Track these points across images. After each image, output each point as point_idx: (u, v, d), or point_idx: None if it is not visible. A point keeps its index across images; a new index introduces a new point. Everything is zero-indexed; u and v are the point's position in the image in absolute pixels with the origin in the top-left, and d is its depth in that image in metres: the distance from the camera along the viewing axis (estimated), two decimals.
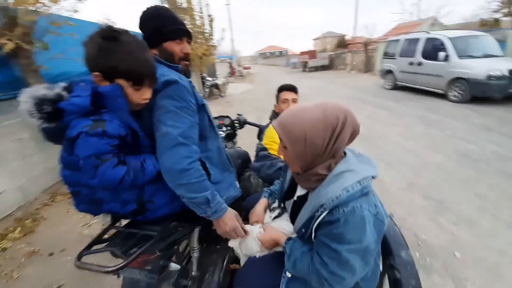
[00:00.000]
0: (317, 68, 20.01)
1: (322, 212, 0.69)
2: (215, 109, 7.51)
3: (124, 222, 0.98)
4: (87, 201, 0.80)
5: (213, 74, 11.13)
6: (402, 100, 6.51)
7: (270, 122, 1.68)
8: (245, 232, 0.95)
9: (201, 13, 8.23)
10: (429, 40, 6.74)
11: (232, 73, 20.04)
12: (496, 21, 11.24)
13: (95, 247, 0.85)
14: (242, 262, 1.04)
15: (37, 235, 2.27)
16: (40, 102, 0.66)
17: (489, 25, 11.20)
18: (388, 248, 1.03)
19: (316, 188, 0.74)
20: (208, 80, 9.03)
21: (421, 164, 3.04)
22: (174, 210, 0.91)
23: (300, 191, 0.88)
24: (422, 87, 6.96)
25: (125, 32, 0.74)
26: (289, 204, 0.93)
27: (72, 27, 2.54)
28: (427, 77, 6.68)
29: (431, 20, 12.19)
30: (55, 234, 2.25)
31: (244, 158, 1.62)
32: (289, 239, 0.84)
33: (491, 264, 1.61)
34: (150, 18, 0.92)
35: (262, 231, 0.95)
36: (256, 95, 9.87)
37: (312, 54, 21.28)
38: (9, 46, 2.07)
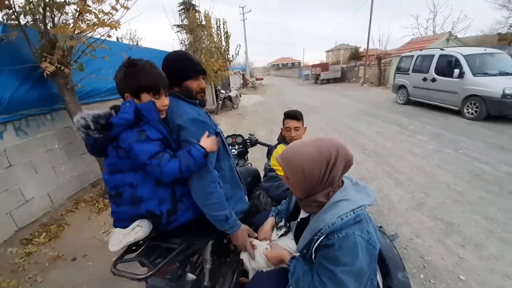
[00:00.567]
0: (329, 81, 20.12)
1: (320, 236, 0.80)
2: (227, 121, 7.75)
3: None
4: (128, 202, 0.97)
5: (226, 87, 11.52)
6: (415, 116, 6.46)
7: (278, 143, 1.80)
8: (253, 246, 1.08)
9: (219, 29, 8.67)
10: (443, 56, 6.72)
11: (244, 84, 20.54)
12: None
13: (126, 256, 1.00)
14: (250, 275, 1.14)
15: (61, 240, 2.44)
16: (97, 117, 0.89)
17: (508, 40, 10.94)
18: (387, 270, 1.11)
19: (316, 214, 0.86)
20: (221, 93, 9.37)
21: (431, 183, 3.04)
22: (198, 215, 1.07)
23: (303, 214, 1.00)
24: (435, 103, 6.89)
25: (140, 59, 0.98)
26: (293, 224, 1.05)
27: (104, 50, 2.84)
28: (441, 93, 6.62)
29: (447, 35, 12.07)
30: (78, 240, 2.41)
31: (254, 176, 1.75)
32: (293, 257, 0.95)
33: None
34: (171, 61, 1.12)
35: (268, 248, 1.07)
36: (268, 107, 10.07)
37: (324, 66, 21.51)
38: (50, 69, 2.35)
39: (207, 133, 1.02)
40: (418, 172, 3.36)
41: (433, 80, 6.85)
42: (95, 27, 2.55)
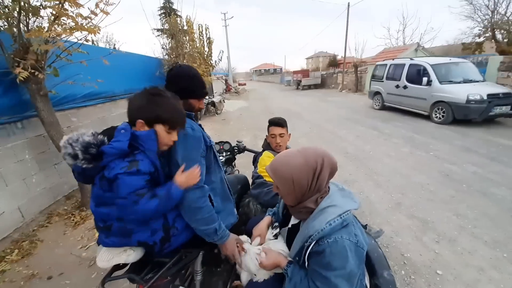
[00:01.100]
0: (310, 87, 20.77)
1: (310, 243, 0.83)
2: (212, 126, 7.68)
3: None
4: (118, 234, 0.92)
5: (210, 92, 11.44)
6: (390, 121, 6.86)
7: (263, 150, 1.82)
8: (243, 250, 1.09)
9: (201, 35, 8.64)
10: (412, 65, 7.26)
11: (227, 89, 20.53)
12: (478, 45, 12.10)
13: (115, 273, 0.96)
14: (243, 279, 1.14)
15: (35, 257, 2.27)
16: (86, 146, 0.81)
17: (471, 50, 12.06)
18: (373, 269, 1.17)
19: (306, 220, 0.89)
20: (205, 98, 9.26)
21: (407, 184, 3.24)
22: (189, 236, 1.04)
23: (293, 220, 1.03)
24: (407, 109, 7.38)
25: (166, 91, 0.95)
26: (284, 231, 1.08)
27: (81, 54, 2.71)
28: (412, 99, 7.12)
29: (415, 45, 13.07)
30: (53, 257, 2.26)
31: (243, 183, 1.76)
32: (290, 262, 0.97)
33: (470, 281, 1.75)
34: (186, 78, 1.14)
35: (259, 252, 1.07)
36: (251, 113, 10.14)
37: (305, 73, 22.20)
38: (23, 74, 2.21)
39: (182, 167, 0.98)
40: (395, 173, 3.57)
41: (405, 87, 7.35)
42: (73, 31, 2.44)
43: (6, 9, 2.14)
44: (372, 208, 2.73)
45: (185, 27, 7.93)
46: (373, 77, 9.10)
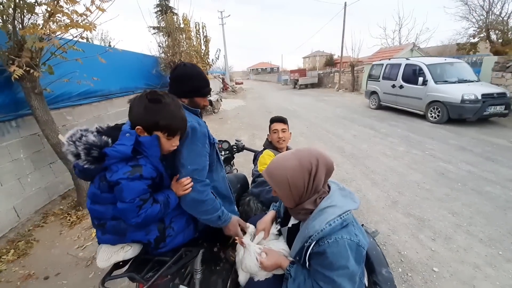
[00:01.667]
0: (307, 86, 20.82)
1: (310, 243, 0.84)
2: (209, 125, 7.53)
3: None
4: (112, 232, 0.91)
5: None
6: (386, 120, 6.92)
7: (264, 149, 1.84)
8: (242, 244, 1.07)
9: (198, 33, 8.58)
10: (408, 65, 7.32)
11: (224, 88, 20.47)
12: (473, 45, 12.24)
13: (115, 272, 0.95)
14: (241, 278, 1.13)
15: (31, 257, 2.25)
16: (89, 147, 0.80)
17: (466, 50, 12.20)
18: (372, 267, 1.18)
19: (306, 221, 0.90)
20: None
21: (403, 182, 3.27)
22: (188, 238, 1.04)
23: (294, 220, 1.03)
24: (403, 108, 7.45)
25: (166, 94, 0.92)
26: (284, 230, 1.08)
27: (77, 52, 2.67)
28: (408, 99, 7.18)
29: (411, 45, 13.19)
30: (49, 257, 2.24)
31: (242, 182, 1.76)
32: (292, 263, 0.97)
33: (466, 278, 1.78)
34: (192, 76, 1.15)
35: (260, 252, 1.07)
36: (249, 112, 10.13)
37: (302, 72, 22.23)
38: (18, 72, 2.17)
39: (176, 177, 1.00)
40: (391, 172, 3.60)
41: (401, 87, 7.42)
42: (68, 28, 2.40)
43: (1, 6, 2.10)
44: (370, 206, 2.75)
45: (182, 25, 7.87)
46: (370, 76, 9.16)
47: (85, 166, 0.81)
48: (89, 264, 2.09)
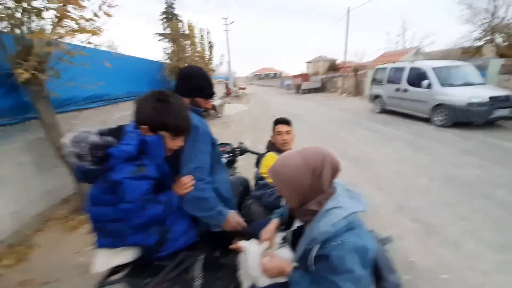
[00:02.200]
0: (310, 90, 20.81)
1: (314, 246, 0.81)
2: (213, 129, 7.56)
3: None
4: (112, 235, 0.89)
5: None
6: (391, 124, 6.85)
7: (267, 151, 1.81)
8: (240, 248, 1.03)
9: (202, 39, 8.70)
10: (413, 69, 7.27)
11: (228, 93, 20.60)
12: (478, 49, 12.12)
13: (112, 278, 0.93)
14: (244, 285, 1.10)
15: (30, 262, 2.22)
16: (93, 148, 0.79)
17: (471, 53, 12.10)
18: (380, 273, 1.13)
19: (311, 222, 0.87)
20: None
21: (409, 187, 3.20)
22: (189, 241, 1.02)
23: (298, 222, 1.00)
24: (408, 112, 7.37)
25: (173, 94, 0.93)
26: (289, 233, 1.05)
27: (83, 56, 2.72)
28: (412, 102, 7.11)
29: (415, 49, 13.16)
30: (49, 262, 2.21)
31: (245, 185, 1.74)
32: (296, 268, 0.92)
33: (476, 285, 1.71)
34: (196, 77, 1.16)
35: (261, 251, 1.03)
36: (252, 116, 10.15)
37: (305, 77, 22.27)
38: (25, 76, 2.21)
39: (181, 178, 1.00)
40: (397, 176, 3.54)
41: (405, 90, 7.36)
42: (75, 33, 2.45)
43: (9, 10, 2.15)
44: (375, 212, 2.69)
45: (187, 32, 8.00)
46: (374, 80, 9.12)
47: (90, 167, 0.80)
48: (88, 270, 2.06)
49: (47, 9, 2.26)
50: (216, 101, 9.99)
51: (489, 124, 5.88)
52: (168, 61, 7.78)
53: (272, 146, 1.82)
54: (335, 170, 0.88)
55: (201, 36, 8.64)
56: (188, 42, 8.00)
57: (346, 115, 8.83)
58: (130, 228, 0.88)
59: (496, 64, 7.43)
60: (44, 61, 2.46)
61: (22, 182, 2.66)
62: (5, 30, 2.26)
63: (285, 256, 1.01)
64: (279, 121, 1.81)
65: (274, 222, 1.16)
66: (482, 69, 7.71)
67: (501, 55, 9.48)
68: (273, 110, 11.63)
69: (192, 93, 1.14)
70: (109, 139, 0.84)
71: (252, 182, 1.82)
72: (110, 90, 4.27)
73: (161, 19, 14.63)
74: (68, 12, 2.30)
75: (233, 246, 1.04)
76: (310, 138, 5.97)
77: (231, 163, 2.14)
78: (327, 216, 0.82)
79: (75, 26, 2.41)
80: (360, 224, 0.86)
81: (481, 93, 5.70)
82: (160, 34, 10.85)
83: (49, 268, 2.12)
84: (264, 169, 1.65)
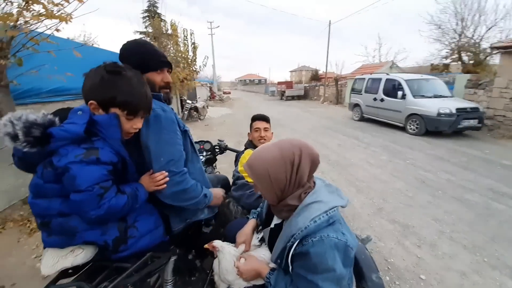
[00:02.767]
0: (293, 97, 21.26)
1: (293, 243, 0.74)
2: (194, 132, 7.37)
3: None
4: (59, 232, 0.76)
5: (193, 97, 11.25)
6: (368, 131, 7.12)
7: (245, 149, 1.75)
8: (214, 248, 0.94)
9: (185, 40, 8.54)
10: (389, 80, 7.68)
11: (212, 97, 20.38)
12: (445, 66, 13.19)
13: (60, 281, 0.79)
14: None
15: None
16: (29, 126, 0.65)
17: (439, 69, 13.12)
18: (361, 272, 1.09)
19: (289, 219, 0.80)
20: (187, 103, 9.09)
21: (387, 190, 3.28)
22: (155, 241, 0.89)
23: (276, 220, 0.92)
24: (384, 120, 7.73)
25: (129, 68, 0.79)
26: (266, 232, 0.96)
27: (50, 45, 2.49)
28: (388, 111, 7.48)
29: (390, 63, 14.01)
30: (5, 266, 2.00)
31: (223, 183, 1.64)
32: (272, 270, 0.85)
33: (454, 286, 1.73)
34: (131, 52, 0.96)
35: (236, 253, 0.94)
36: (235, 119, 10.06)
37: (289, 84, 22.71)
38: None
39: (149, 173, 0.89)
40: (375, 180, 3.62)
41: (382, 100, 7.73)
42: (41, 17, 2.24)
43: None
44: (355, 213, 2.71)
45: (169, 31, 7.81)
46: (353, 90, 9.50)
47: (25, 150, 0.66)
48: (46, 276, 1.83)
49: None
50: (198, 103, 9.79)
51: (458, 133, 6.34)
52: None
53: (250, 143, 1.76)
54: (314, 163, 0.82)
55: (185, 36, 8.49)
56: (171, 41, 7.81)
57: (327, 121, 9.06)
58: (82, 223, 0.74)
59: (462, 79, 8.08)
60: (6, 47, 2.22)
61: None
62: None
63: (263, 257, 0.93)
64: (257, 118, 1.76)
65: (250, 224, 1.08)
66: (449, 84, 8.35)
67: (467, 72, 10.36)
68: (255, 114, 11.63)
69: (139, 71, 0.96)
70: (50, 117, 0.70)
71: (231, 181, 1.72)
72: (80, 83, 3.94)
73: (143, 17, 14.22)
74: None
75: (207, 245, 0.94)
76: None
77: (211, 161, 2.03)
78: (306, 211, 0.76)
79: (42, 10, 2.20)
80: (340, 220, 0.81)
81: (449, 105, 6.13)
82: (140, 32, 10.50)
83: (4, 273, 1.92)
84: (241, 166, 1.57)
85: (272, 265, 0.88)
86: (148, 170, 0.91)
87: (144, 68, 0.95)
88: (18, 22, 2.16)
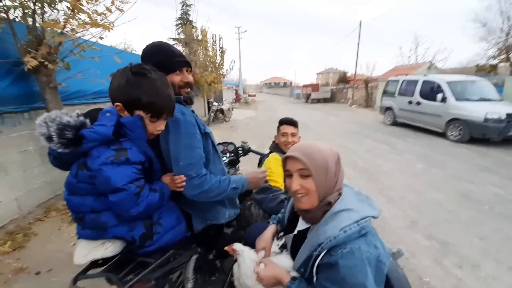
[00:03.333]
0: (319, 100, 20.76)
1: (320, 252, 0.69)
2: (218, 133, 7.65)
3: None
4: (91, 226, 0.81)
5: (219, 99, 11.55)
6: (402, 137, 6.63)
7: (270, 152, 1.71)
8: (234, 251, 0.93)
9: (214, 44, 8.83)
10: (426, 82, 7.10)
11: (237, 99, 20.76)
12: (493, 66, 11.84)
13: (91, 271, 0.84)
14: None
15: (26, 251, 2.19)
16: (63, 128, 0.69)
17: (486, 71, 11.82)
18: None
19: (316, 225, 0.75)
20: (214, 105, 9.36)
21: (422, 201, 3.01)
22: (178, 236, 0.91)
23: (301, 226, 0.88)
24: (420, 125, 7.14)
25: (154, 70, 0.81)
26: (289, 238, 0.92)
27: (94, 51, 2.73)
28: (425, 116, 6.90)
29: (428, 64, 12.96)
30: (44, 252, 2.18)
31: None
32: (294, 278, 0.81)
33: None
34: (149, 54, 0.97)
35: (256, 258, 0.91)
36: (259, 122, 10.10)
37: (315, 87, 22.26)
38: (32, 63, 2.20)
39: (170, 174, 0.91)
40: (409, 190, 3.34)
41: (418, 103, 7.16)
42: (87, 26, 2.47)
43: None
44: (386, 225, 2.52)
45: (200, 37, 8.15)
46: (385, 92, 8.96)
47: (59, 150, 0.70)
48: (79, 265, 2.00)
49: (60, 0, 2.29)
50: (224, 105, 10.02)
51: (508, 141, 5.59)
52: None
53: (276, 147, 1.72)
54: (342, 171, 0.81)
55: (213, 41, 8.78)
56: (201, 46, 8.13)
57: (355, 126, 8.65)
58: (112, 219, 0.78)
59: None
60: (54, 52, 2.48)
61: (25, 170, 2.64)
62: (17, 19, 2.29)
63: (284, 264, 0.89)
64: (284, 122, 1.70)
65: (270, 230, 1.04)
66: (498, 86, 7.46)
67: None
68: (280, 116, 11.53)
69: None
70: (82, 119, 0.74)
71: None
72: None
73: (176, 25, 15.03)
74: (81, 5, 2.32)
75: (227, 248, 0.93)
76: None
77: (234, 163, 2.04)
78: (336, 219, 0.71)
79: (87, 19, 2.43)
80: (372, 231, 0.74)
81: (498, 109, 5.46)
82: (174, 39, 11.10)
83: (43, 258, 2.09)
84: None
85: (294, 273, 0.84)
86: (169, 168, 0.93)
87: (162, 70, 0.93)
88: (65, 30, 2.40)
